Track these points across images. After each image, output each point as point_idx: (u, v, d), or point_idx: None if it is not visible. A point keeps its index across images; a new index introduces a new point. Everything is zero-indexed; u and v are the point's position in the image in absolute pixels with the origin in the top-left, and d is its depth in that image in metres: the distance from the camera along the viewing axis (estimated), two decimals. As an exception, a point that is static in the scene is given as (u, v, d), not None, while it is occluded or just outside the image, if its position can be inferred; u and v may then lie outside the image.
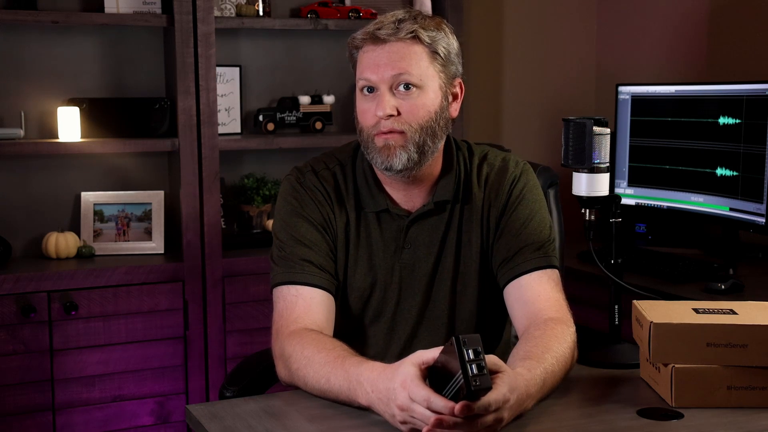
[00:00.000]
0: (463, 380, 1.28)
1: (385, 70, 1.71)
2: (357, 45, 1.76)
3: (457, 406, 1.29)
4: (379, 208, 1.81)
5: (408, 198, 1.81)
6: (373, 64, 1.72)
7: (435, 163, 1.80)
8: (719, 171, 2.88)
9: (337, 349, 1.57)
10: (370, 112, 1.74)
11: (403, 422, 1.37)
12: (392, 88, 1.72)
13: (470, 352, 1.29)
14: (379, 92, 1.72)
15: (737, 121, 2.82)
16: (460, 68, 1.79)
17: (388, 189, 1.82)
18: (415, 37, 1.72)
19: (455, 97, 1.80)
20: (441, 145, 1.79)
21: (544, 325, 1.64)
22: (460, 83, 1.81)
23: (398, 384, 1.37)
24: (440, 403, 1.31)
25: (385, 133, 1.72)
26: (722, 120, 2.87)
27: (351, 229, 1.81)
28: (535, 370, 1.48)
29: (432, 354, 1.38)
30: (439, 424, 1.31)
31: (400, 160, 1.73)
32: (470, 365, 1.29)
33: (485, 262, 1.82)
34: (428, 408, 1.32)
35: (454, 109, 1.80)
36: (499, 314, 1.85)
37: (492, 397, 1.32)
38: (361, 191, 1.82)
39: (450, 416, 1.30)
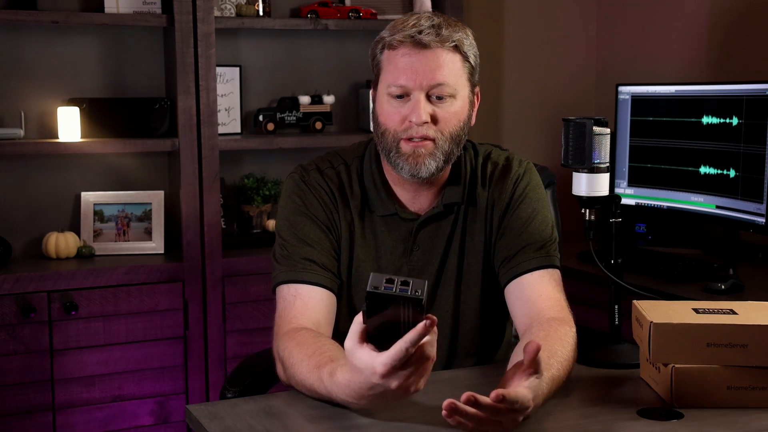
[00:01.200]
0: (409, 308, 1.28)
1: (424, 77, 1.68)
2: (392, 45, 1.71)
3: (492, 394, 1.28)
4: (387, 212, 1.80)
5: (416, 200, 1.81)
6: (411, 69, 1.68)
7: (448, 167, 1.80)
8: (719, 171, 2.88)
9: (316, 356, 1.54)
10: (398, 115, 1.70)
11: (402, 388, 1.35)
12: (427, 95, 1.70)
13: (387, 288, 1.28)
14: (412, 97, 1.69)
15: (737, 121, 2.82)
16: (478, 77, 1.79)
17: (396, 191, 1.81)
18: (456, 47, 1.71)
19: (473, 105, 1.80)
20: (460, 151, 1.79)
21: (547, 325, 1.64)
22: (478, 92, 1.80)
23: (371, 377, 1.33)
24: (406, 341, 1.29)
25: (416, 140, 1.70)
26: (722, 120, 2.87)
27: (356, 230, 1.80)
28: (543, 380, 1.47)
29: (354, 328, 1.35)
30: (453, 410, 1.28)
31: (428, 169, 1.71)
32: (401, 293, 1.28)
33: (488, 261, 1.82)
34: (406, 352, 1.29)
35: (473, 117, 1.80)
36: (501, 313, 1.85)
37: (521, 393, 1.32)
38: (368, 193, 1.81)
39: (464, 404, 1.28)
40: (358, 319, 1.35)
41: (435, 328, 1.31)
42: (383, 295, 1.29)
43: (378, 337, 1.35)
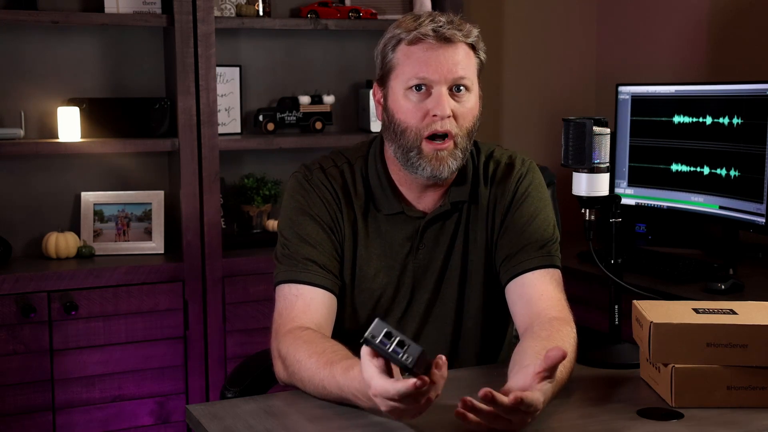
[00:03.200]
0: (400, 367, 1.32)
1: (447, 71, 1.70)
2: (412, 41, 1.71)
3: (511, 397, 1.31)
4: (394, 211, 1.80)
5: (422, 199, 1.81)
6: (435, 61, 1.70)
7: None
8: (719, 171, 2.88)
9: (326, 353, 1.56)
10: (421, 110, 1.71)
11: (391, 413, 1.37)
12: (449, 89, 1.71)
13: (383, 342, 1.31)
14: (434, 91, 1.70)
15: (737, 121, 2.82)
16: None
17: (402, 190, 1.81)
18: (473, 44, 1.74)
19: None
20: None
21: (549, 325, 1.64)
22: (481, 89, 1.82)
23: (368, 389, 1.37)
24: (397, 389, 1.31)
25: (437, 140, 1.71)
26: (722, 120, 2.87)
27: (359, 229, 1.80)
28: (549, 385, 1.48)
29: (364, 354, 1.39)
30: (470, 407, 1.30)
31: (449, 169, 1.73)
32: (392, 353, 1.31)
33: (490, 260, 1.83)
34: (397, 396, 1.32)
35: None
36: (503, 312, 1.85)
37: (536, 397, 1.34)
38: (374, 192, 1.81)
39: (481, 404, 1.30)
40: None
41: (445, 372, 1.33)
42: (377, 347, 1.32)
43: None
